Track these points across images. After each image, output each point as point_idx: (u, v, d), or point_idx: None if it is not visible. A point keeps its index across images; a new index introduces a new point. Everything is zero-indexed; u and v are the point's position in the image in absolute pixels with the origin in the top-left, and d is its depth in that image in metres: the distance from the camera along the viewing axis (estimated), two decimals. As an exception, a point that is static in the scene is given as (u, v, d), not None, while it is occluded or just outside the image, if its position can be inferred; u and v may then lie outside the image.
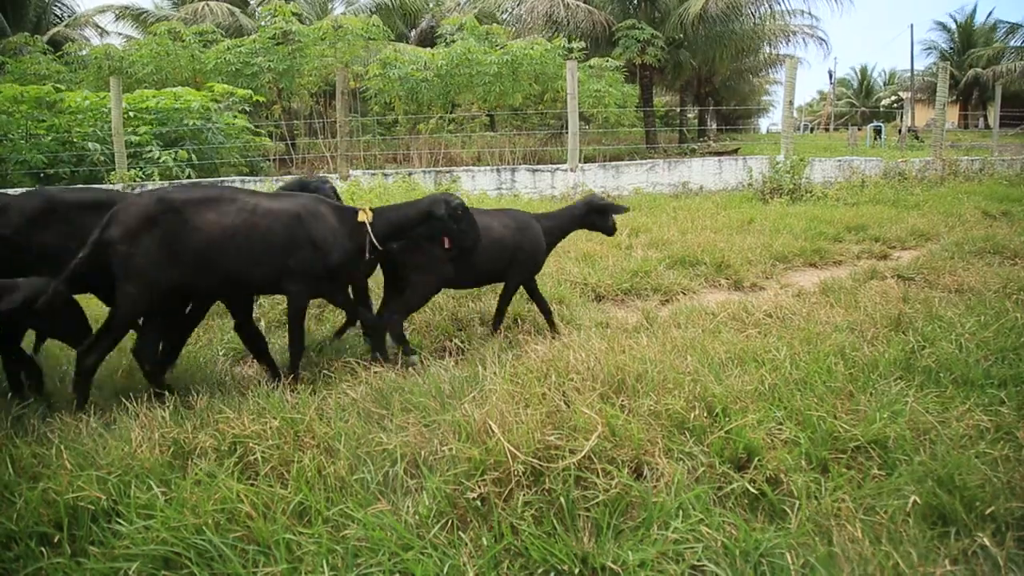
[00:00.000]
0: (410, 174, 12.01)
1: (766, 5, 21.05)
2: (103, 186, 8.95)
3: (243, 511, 2.42)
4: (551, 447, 2.69)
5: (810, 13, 21.42)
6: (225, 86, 12.68)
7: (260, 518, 2.38)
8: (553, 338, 4.26)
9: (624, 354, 3.69)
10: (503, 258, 4.59)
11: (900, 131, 28.19)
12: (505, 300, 4.82)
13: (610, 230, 5.01)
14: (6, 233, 3.66)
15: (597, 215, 4.97)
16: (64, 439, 2.99)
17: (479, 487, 2.50)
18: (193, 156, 10.29)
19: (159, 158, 9.81)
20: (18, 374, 3.78)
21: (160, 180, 9.41)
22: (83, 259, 3.41)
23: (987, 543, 2.25)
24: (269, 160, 13.81)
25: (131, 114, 10.70)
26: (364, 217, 3.90)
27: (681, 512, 2.38)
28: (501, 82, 14.92)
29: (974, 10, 39.00)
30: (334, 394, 3.44)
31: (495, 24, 19.36)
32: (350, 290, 4.43)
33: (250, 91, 13.11)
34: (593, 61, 16.80)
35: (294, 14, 15.59)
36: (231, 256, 3.59)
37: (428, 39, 22.39)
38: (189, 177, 10.06)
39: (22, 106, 10.43)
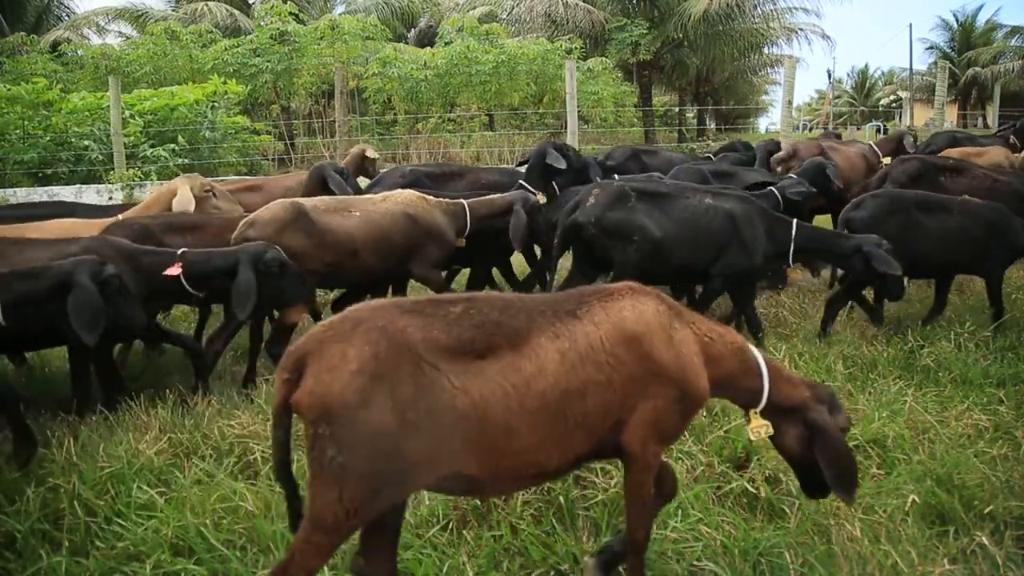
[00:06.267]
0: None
1: (766, 5, 21.04)
2: (102, 186, 8.95)
3: (243, 510, 2.42)
4: (551, 446, 2.69)
5: (815, 13, 21.30)
6: (218, 81, 12.63)
7: (260, 517, 2.38)
8: None
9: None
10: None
11: (899, 130, 28.13)
12: None
13: None
14: None
15: None
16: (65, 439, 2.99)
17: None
18: (187, 149, 10.28)
19: (152, 153, 9.81)
20: None
21: (158, 179, 9.39)
22: None
23: (986, 542, 2.25)
24: (268, 159, 13.79)
25: (128, 114, 10.68)
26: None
27: (680, 511, 2.39)
28: (498, 81, 14.88)
29: (978, 10, 38.71)
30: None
31: (495, 24, 19.32)
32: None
33: (242, 87, 13.08)
34: (590, 62, 16.79)
35: (291, 14, 15.55)
36: None
37: (427, 39, 22.34)
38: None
39: (19, 107, 10.41)
